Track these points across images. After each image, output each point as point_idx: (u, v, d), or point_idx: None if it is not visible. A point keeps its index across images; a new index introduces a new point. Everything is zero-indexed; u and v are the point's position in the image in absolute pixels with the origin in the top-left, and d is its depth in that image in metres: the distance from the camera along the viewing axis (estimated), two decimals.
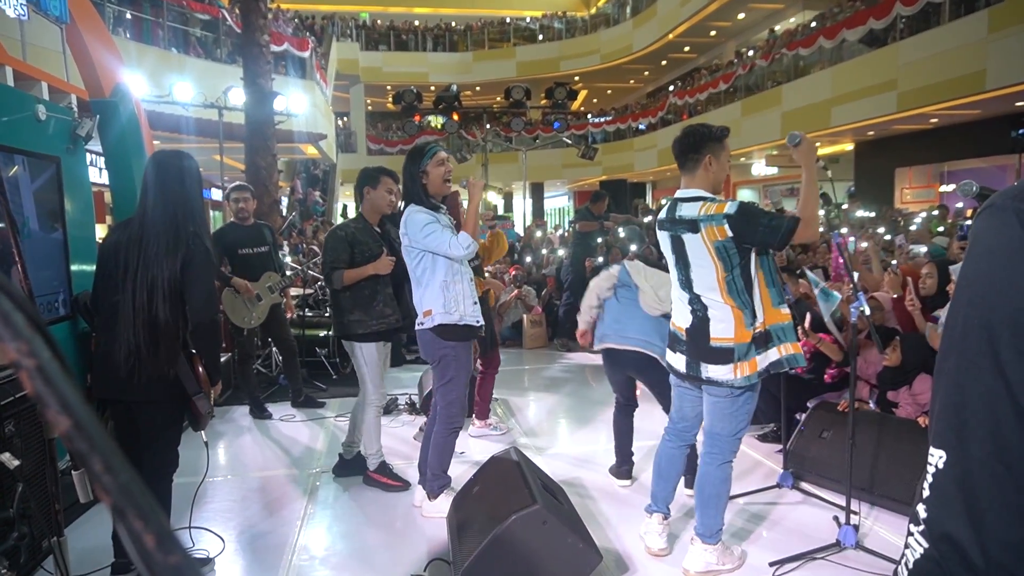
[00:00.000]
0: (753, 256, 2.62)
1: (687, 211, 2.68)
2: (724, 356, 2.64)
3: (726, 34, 20.36)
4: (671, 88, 22.01)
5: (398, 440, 4.76)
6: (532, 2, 27.85)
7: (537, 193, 26.00)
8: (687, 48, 21.77)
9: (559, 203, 31.93)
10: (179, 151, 2.86)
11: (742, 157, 18.43)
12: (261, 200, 9.28)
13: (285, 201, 17.06)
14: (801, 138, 2.63)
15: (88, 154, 4.93)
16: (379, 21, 25.97)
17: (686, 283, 2.75)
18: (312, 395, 5.76)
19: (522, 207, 20.44)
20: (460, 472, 3.89)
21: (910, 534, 0.69)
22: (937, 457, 0.65)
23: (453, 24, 25.91)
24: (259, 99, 9.13)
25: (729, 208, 2.56)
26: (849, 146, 16.20)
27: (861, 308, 2.85)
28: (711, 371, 2.68)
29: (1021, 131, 10.80)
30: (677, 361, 2.83)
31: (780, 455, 3.98)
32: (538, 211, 25.13)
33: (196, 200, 2.83)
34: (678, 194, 2.78)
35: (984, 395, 0.61)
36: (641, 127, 22.17)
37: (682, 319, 2.80)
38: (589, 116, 26.54)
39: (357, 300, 3.76)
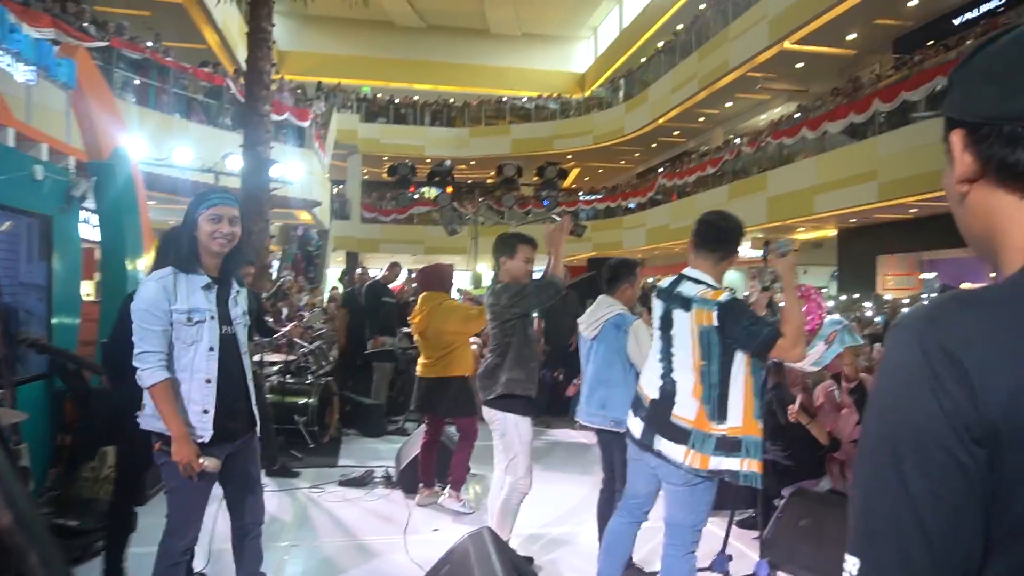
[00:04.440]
0: (743, 358, 2.60)
1: (687, 289, 2.71)
2: (680, 435, 2.62)
3: (714, 120, 21.13)
4: (660, 170, 22.64)
5: (372, 514, 4.66)
6: (528, 83, 28.92)
7: None
8: (676, 132, 22.53)
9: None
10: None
11: None
12: (252, 266, 9.38)
13: (276, 265, 17.13)
14: (788, 250, 2.66)
15: (83, 211, 5.00)
16: (380, 95, 26.80)
17: (665, 356, 2.76)
18: (287, 463, 5.65)
19: None
20: (429, 553, 3.80)
21: None
22: (851, 564, 0.67)
23: (451, 101, 26.78)
24: (256, 166, 9.31)
25: (723, 298, 2.60)
26: (832, 232, 16.58)
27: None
28: (663, 445, 2.65)
29: None
30: (635, 426, 2.81)
31: (757, 542, 3.92)
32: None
33: None
34: (686, 271, 2.79)
35: (891, 508, 0.64)
36: (631, 206, 22.67)
37: (650, 387, 2.79)
38: (580, 193, 27.17)
39: (521, 357, 3.56)
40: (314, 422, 6.49)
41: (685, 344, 2.68)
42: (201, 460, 2.43)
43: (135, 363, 2.41)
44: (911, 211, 13.19)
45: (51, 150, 4.49)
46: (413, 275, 9.17)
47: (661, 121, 20.83)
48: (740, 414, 2.58)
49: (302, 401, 6.58)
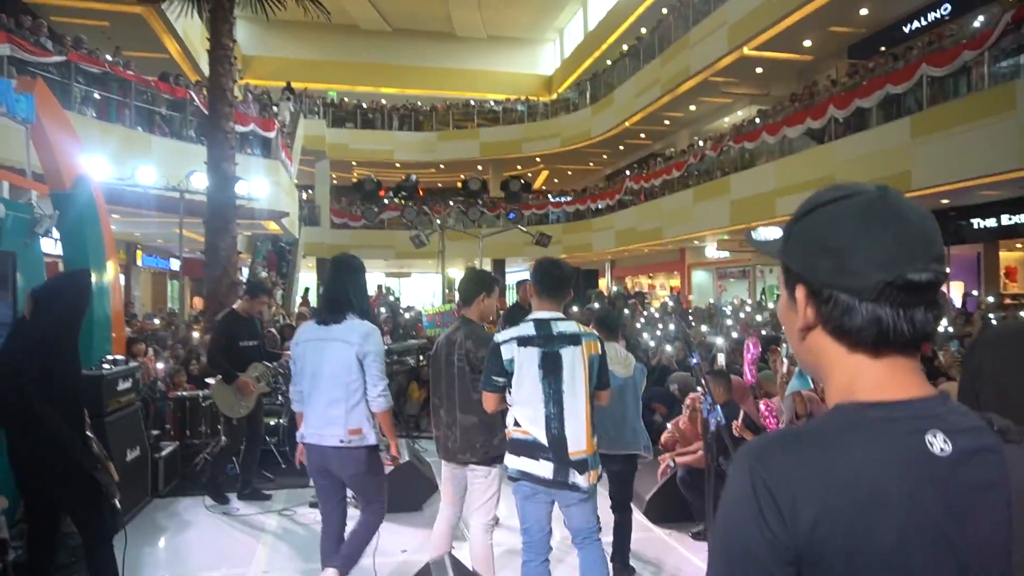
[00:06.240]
0: None
1: (565, 327, 3.01)
2: (582, 465, 2.93)
3: (679, 123, 21.45)
4: (628, 172, 22.92)
5: None
6: (496, 86, 29.01)
7: (499, 268, 26.40)
8: (643, 135, 22.82)
9: (522, 276, 32.43)
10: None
11: (695, 240, 19.13)
12: (220, 282, 9.38)
13: (245, 272, 17.02)
14: None
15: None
16: (347, 99, 26.68)
17: (553, 396, 2.93)
18: (259, 487, 5.71)
19: None
20: (398, 574, 3.91)
21: None
22: None
23: (419, 104, 26.76)
24: (221, 183, 9.32)
25: (593, 328, 3.10)
26: None
27: (718, 419, 3.07)
28: (577, 478, 2.92)
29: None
30: (542, 468, 2.94)
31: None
32: (500, 288, 25.46)
33: None
34: (544, 315, 3.06)
35: None
36: (600, 207, 22.91)
37: (535, 429, 2.95)
38: (550, 196, 27.34)
39: (499, 418, 3.28)
40: (285, 442, 6.55)
41: (578, 376, 2.96)
42: None
43: (380, 391, 3.30)
44: None
45: (11, 186, 4.50)
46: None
47: (627, 124, 21.10)
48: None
49: (273, 421, 6.64)
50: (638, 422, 4.03)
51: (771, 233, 0.97)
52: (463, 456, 3.39)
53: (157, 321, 12.51)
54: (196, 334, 9.11)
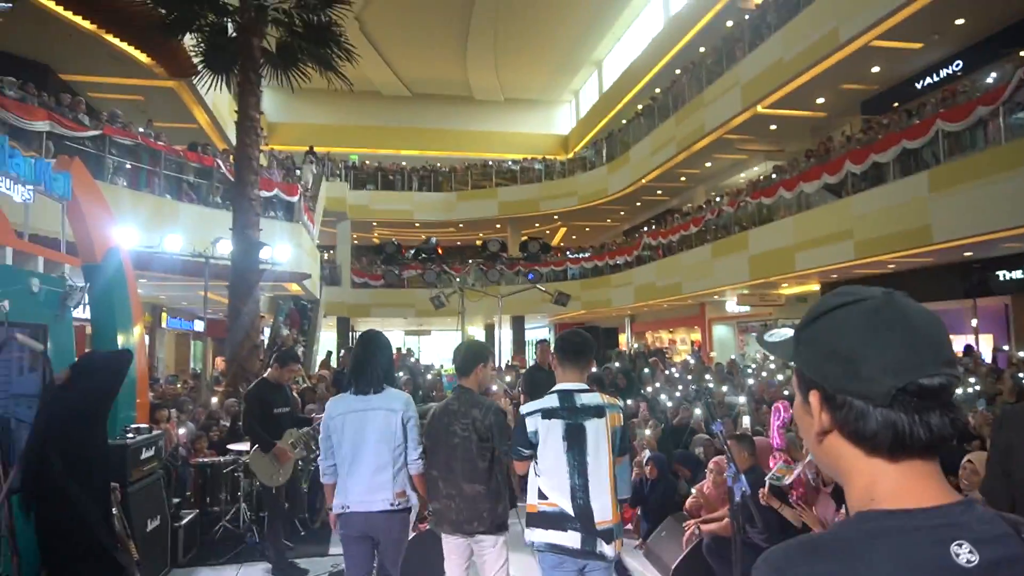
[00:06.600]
0: None
1: (588, 399, 3.07)
2: (608, 535, 2.99)
3: (695, 179, 21.65)
4: (645, 228, 23.05)
5: None
6: (513, 146, 29.63)
7: (518, 325, 26.41)
8: (659, 192, 23.04)
9: (540, 334, 32.36)
10: None
11: (715, 295, 19.05)
12: (241, 345, 9.48)
13: (267, 332, 17.17)
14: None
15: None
16: (368, 162, 27.36)
17: (579, 468, 2.99)
18: (294, 561, 5.58)
19: (499, 339, 20.69)
20: None
21: None
22: None
23: (438, 165, 27.35)
24: (246, 248, 9.52)
25: (618, 400, 3.22)
26: (816, 286, 16.86)
27: (743, 489, 3.00)
28: (605, 548, 2.98)
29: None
30: (570, 539, 2.99)
31: None
32: (518, 344, 25.41)
33: None
34: (568, 386, 3.13)
35: None
36: (618, 263, 22.98)
37: (562, 500, 3.01)
38: (568, 252, 27.52)
39: (504, 487, 3.43)
40: (303, 508, 6.50)
41: (602, 448, 3.01)
42: None
43: (420, 454, 3.42)
44: (889, 266, 13.50)
45: (46, 261, 4.65)
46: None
47: (643, 181, 21.32)
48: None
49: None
50: None
51: (782, 334, 0.98)
52: (470, 527, 3.36)
53: (179, 385, 12.60)
54: (215, 399, 9.16)
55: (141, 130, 12.46)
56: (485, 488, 3.33)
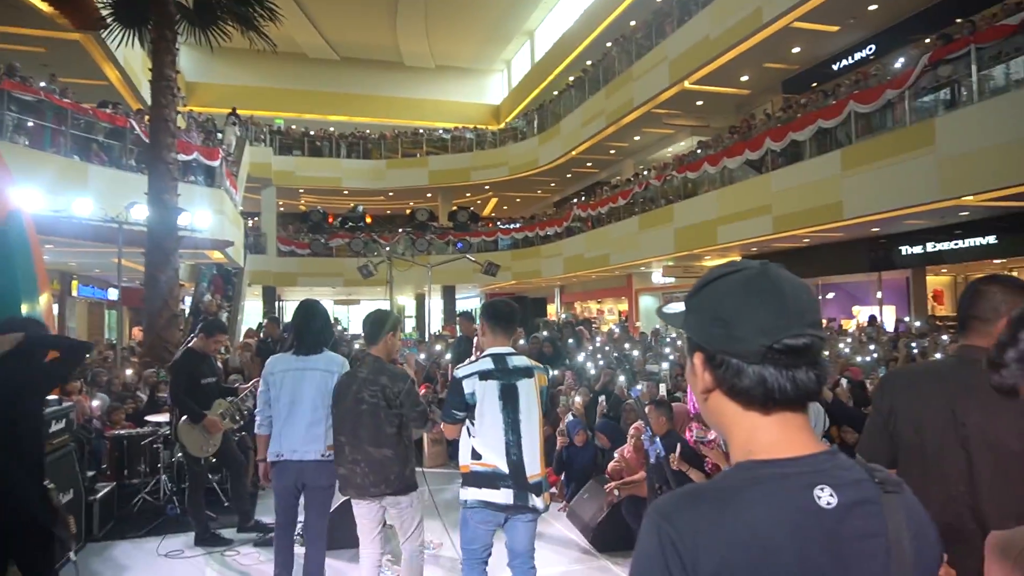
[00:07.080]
0: None
1: (518, 361, 3.29)
2: (538, 488, 3.21)
3: (624, 152, 22.00)
4: (575, 200, 23.31)
5: None
6: (444, 114, 29.25)
7: (449, 295, 26.38)
8: (589, 164, 23.31)
9: (471, 304, 32.43)
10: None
11: (642, 267, 19.53)
12: (160, 315, 9.14)
13: (188, 301, 16.58)
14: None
15: None
16: (294, 127, 26.49)
17: (512, 425, 3.19)
18: (260, 520, 5.56)
19: (429, 310, 20.65)
20: None
21: None
22: None
23: (368, 132, 26.73)
24: (162, 214, 9.14)
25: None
26: (737, 259, 17.48)
27: (659, 452, 3.17)
28: (536, 501, 3.20)
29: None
30: (502, 496, 3.17)
31: None
32: (449, 314, 25.41)
33: None
34: (500, 350, 3.32)
35: None
36: (548, 234, 23.20)
37: (496, 458, 3.19)
38: (499, 223, 27.56)
39: (411, 450, 3.57)
40: (226, 479, 6.39)
41: (532, 406, 3.24)
42: None
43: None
44: (804, 240, 14.16)
45: None
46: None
47: (574, 153, 21.52)
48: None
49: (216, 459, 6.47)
50: None
51: (677, 307, 1.06)
52: (376, 489, 3.41)
53: (93, 355, 12.05)
54: (131, 371, 8.82)
55: (43, 84, 11.66)
56: (393, 452, 3.39)
